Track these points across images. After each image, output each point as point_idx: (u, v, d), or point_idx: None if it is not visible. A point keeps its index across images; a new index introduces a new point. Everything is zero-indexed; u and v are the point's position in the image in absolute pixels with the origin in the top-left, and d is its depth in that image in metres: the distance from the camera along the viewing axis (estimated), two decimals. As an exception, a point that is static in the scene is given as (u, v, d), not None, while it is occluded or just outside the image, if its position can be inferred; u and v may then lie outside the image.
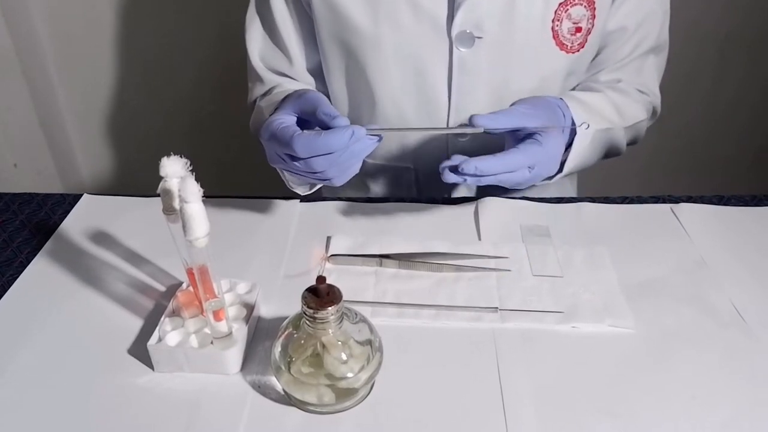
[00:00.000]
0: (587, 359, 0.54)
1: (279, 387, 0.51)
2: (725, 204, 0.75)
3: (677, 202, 0.75)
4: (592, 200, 0.76)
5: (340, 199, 0.77)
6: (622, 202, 0.76)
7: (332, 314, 0.47)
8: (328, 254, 0.66)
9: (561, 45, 0.74)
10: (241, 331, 0.54)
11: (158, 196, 0.52)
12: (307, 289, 0.48)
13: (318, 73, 0.83)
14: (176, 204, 0.51)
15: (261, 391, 0.52)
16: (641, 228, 0.71)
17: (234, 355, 0.52)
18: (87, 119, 1.54)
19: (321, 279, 0.47)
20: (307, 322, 0.47)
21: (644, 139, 0.88)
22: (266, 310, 0.60)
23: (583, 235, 0.70)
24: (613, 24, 0.76)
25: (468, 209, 0.75)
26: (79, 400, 0.51)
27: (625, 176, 1.54)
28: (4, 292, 0.63)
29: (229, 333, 0.53)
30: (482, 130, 0.63)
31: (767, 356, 0.54)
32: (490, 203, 0.75)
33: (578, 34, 0.74)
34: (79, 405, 0.51)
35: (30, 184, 1.51)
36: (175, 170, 0.50)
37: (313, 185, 0.74)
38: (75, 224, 0.73)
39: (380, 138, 0.60)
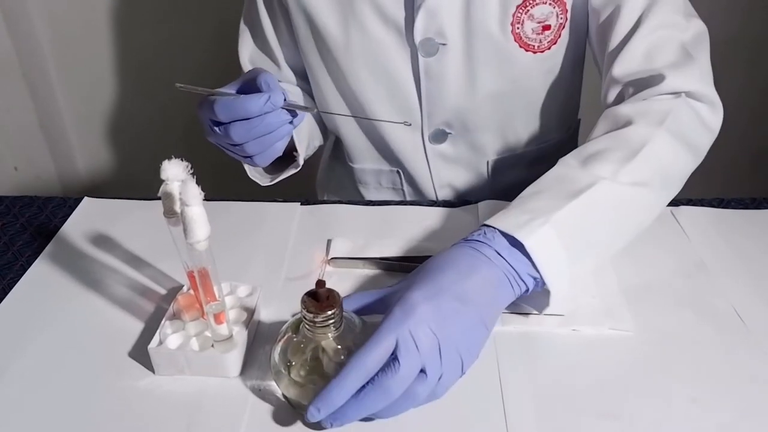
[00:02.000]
0: (587, 362, 0.54)
1: (279, 391, 0.51)
2: (725, 207, 0.75)
3: (677, 205, 0.75)
4: (592, 203, 0.76)
5: (340, 202, 0.77)
6: (622, 205, 0.76)
7: (332, 318, 0.47)
8: (329, 257, 0.66)
9: (526, 47, 0.72)
10: (241, 334, 0.54)
11: (159, 198, 0.52)
12: (306, 293, 0.48)
13: (305, 76, 0.84)
14: (177, 207, 0.51)
15: (261, 394, 0.52)
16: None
17: (234, 358, 0.52)
18: (87, 122, 1.54)
19: (320, 283, 0.47)
20: (307, 326, 0.47)
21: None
22: (267, 313, 0.60)
23: (584, 238, 0.70)
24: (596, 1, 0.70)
25: (469, 212, 0.75)
26: (80, 403, 0.51)
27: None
28: (5, 295, 0.63)
29: (229, 336, 0.53)
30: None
31: (767, 358, 0.54)
32: (491, 206, 0.75)
33: (547, 32, 0.72)
34: (80, 408, 0.51)
35: (30, 187, 1.51)
36: (176, 173, 0.50)
37: (274, 176, 0.77)
38: (76, 227, 0.73)
39: (293, 119, 0.62)
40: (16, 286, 0.64)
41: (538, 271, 0.52)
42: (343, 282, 0.63)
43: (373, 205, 0.77)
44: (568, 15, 0.72)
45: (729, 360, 0.54)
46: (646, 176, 0.59)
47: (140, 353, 0.55)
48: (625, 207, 0.58)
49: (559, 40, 0.73)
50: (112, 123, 1.55)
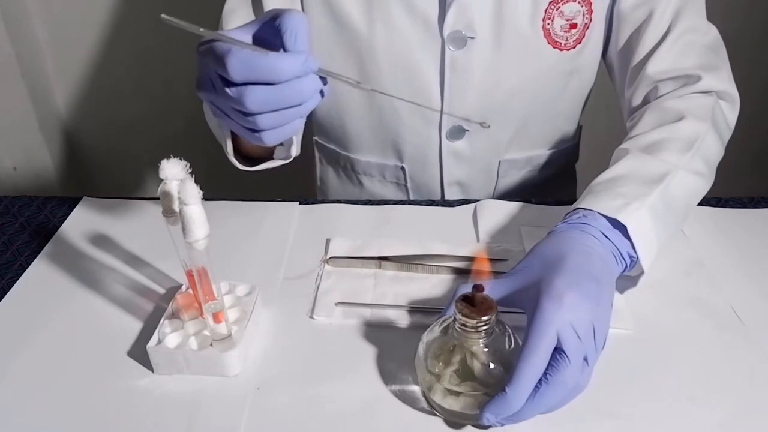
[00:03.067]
0: (586, 361, 0.54)
1: (281, 390, 0.51)
2: (724, 206, 0.75)
3: (676, 204, 0.75)
4: (591, 202, 0.76)
5: (339, 201, 0.77)
6: (620, 204, 0.76)
7: (488, 323, 0.45)
8: (328, 256, 0.67)
9: (554, 43, 0.73)
10: (240, 333, 0.54)
11: (158, 198, 0.52)
12: (461, 297, 0.46)
13: None
14: (176, 206, 0.51)
15: (260, 393, 0.52)
16: (640, 230, 0.71)
17: (233, 357, 0.52)
18: (86, 122, 1.54)
19: (480, 287, 0.45)
20: (462, 331, 0.46)
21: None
22: (266, 313, 0.60)
23: (582, 237, 0.70)
24: (626, 4, 0.72)
25: (467, 211, 0.75)
26: (79, 403, 0.51)
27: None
28: (4, 295, 0.63)
29: (228, 335, 0.53)
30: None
31: (765, 357, 0.55)
32: (489, 205, 0.75)
33: (573, 31, 0.73)
34: (79, 407, 0.51)
35: (29, 187, 1.51)
36: (174, 173, 0.50)
37: (257, 160, 0.63)
38: (74, 227, 0.73)
39: (323, 88, 0.48)
40: (14, 285, 0.64)
41: (635, 252, 0.55)
42: (341, 281, 0.64)
43: (372, 204, 0.77)
44: (593, 16, 0.73)
45: (727, 358, 0.54)
46: (701, 166, 0.63)
47: (139, 352, 0.55)
48: (692, 194, 0.63)
49: (583, 40, 0.75)
50: (111, 123, 1.55)
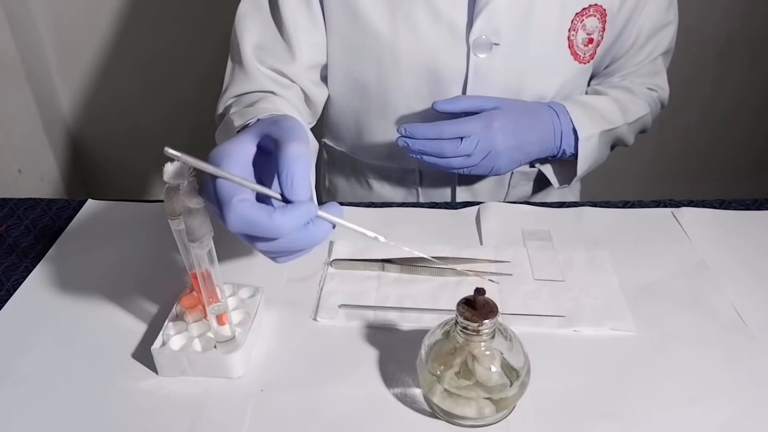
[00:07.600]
0: (588, 362, 0.55)
1: (285, 391, 0.51)
2: (726, 208, 0.75)
3: (678, 207, 0.75)
4: (594, 205, 0.76)
5: (342, 204, 0.77)
6: (623, 207, 0.76)
7: (490, 326, 0.46)
8: (331, 259, 0.67)
9: (575, 55, 0.75)
10: (244, 335, 0.54)
11: (162, 201, 0.53)
12: (463, 300, 0.47)
13: (321, 72, 0.80)
14: (180, 209, 0.52)
15: (264, 394, 0.52)
16: (642, 232, 0.71)
17: (237, 359, 0.53)
18: (91, 126, 1.55)
19: (481, 291, 0.46)
20: (463, 334, 0.46)
21: (645, 143, 0.89)
22: (269, 315, 0.60)
23: (585, 239, 0.70)
24: (627, 37, 0.79)
25: (470, 214, 0.75)
26: (83, 404, 0.52)
27: (626, 181, 1.54)
28: (9, 297, 0.63)
29: (232, 337, 0.53)
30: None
31: (767, 359, 0.55)
32: (491, 208, 0.75)
33: (590, 46, 0.75)
34: (83, 409, 0.51)
35: (33, 190, 1.51)
36: (178, 175, 0.50)
37: None
38: (79, 229, 0.74)
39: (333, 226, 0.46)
40: (20, 287, 0.65)
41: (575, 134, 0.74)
42: (344, 283, 0.64)
43: (375, 206, 0.77)
44: (604, 35, 0.76)
45: (729, 360, 0.55)
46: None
47: (143, 354, 0.55)
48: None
49: (594, 56, 0.77)
50: (115, 126, 1.55)
